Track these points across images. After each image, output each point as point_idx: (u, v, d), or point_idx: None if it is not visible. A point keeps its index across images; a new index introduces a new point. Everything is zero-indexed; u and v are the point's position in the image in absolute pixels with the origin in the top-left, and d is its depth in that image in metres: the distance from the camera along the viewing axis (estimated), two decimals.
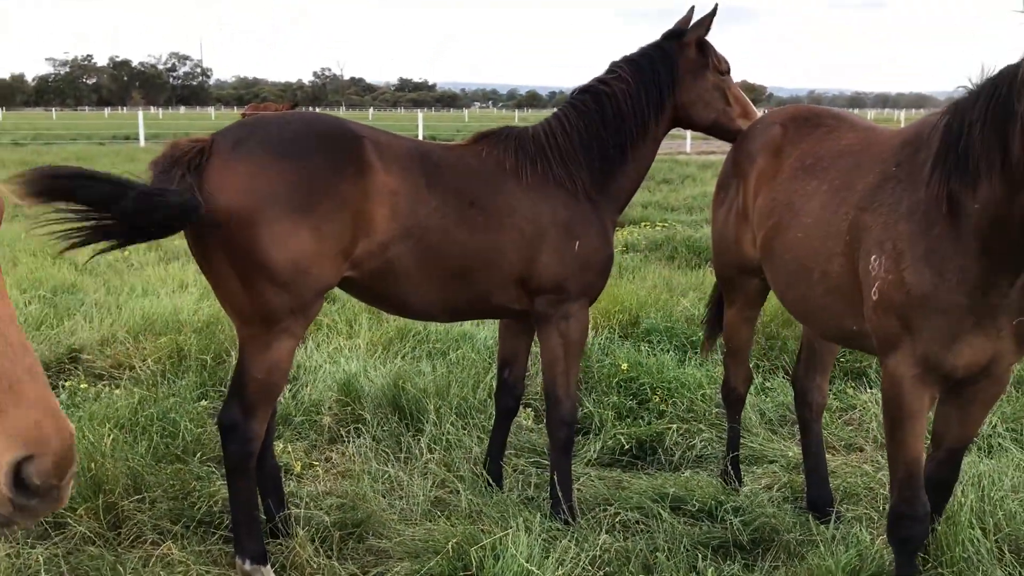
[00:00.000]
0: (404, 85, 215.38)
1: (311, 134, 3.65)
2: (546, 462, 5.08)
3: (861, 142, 3.93)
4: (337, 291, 4.01)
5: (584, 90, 4.33)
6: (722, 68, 4.44)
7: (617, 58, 4.42)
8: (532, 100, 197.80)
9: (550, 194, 4.10)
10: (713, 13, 4.36)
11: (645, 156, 4.42)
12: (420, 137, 33.91)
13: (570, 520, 4.26)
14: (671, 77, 4.32)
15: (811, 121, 4.30)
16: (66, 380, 6.17)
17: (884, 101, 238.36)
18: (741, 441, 5.07)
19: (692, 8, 4.39)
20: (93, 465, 4.28)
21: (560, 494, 4.31)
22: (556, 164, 4.15)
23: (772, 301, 5.50)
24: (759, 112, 4.63)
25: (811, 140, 4.17)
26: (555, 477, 4.36)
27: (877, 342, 3.51)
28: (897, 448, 3.48)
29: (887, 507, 4.48)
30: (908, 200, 3.36)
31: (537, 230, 4.05)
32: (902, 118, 67.39)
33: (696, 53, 4.37)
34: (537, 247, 4.05)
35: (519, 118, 71.45)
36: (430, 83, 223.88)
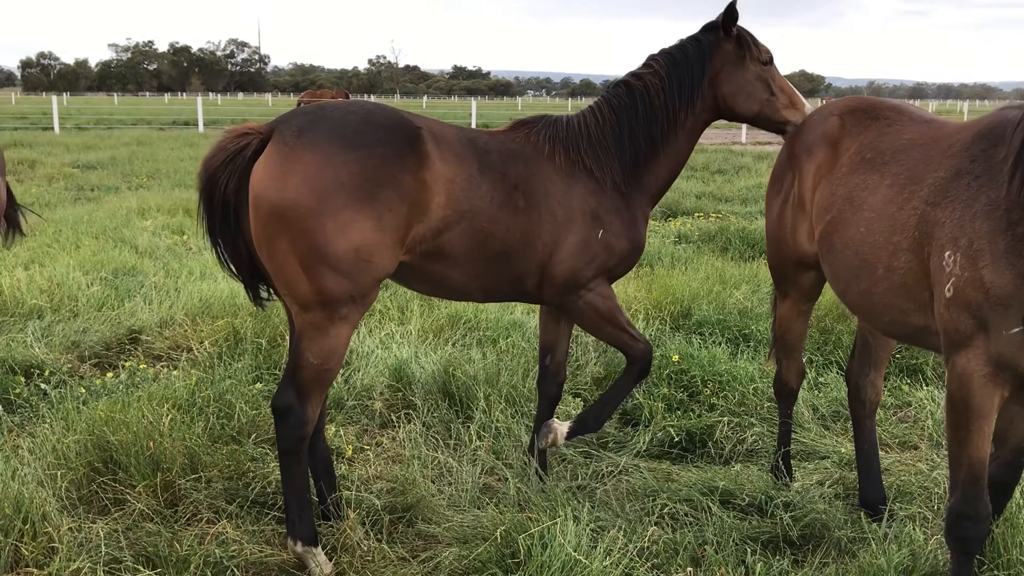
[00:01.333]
0: (458, 73, 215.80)
1: (373, 124, 3.69)
2: (595, 452, 5.09)
3: (926, 135, 3.83)
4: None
5: (618, 83, 4.39)
6: (763, 58, 4.40)
7: (655, 51, 4.43)
8: (586, 88, 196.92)
9: (581, 181, 4.17)
10: (729, 5, 4.30)
11: (679, 149, 4.43)
12: (473, 125, 33.96)
13: (590, 429, 4.41)
14: (703, 70, 4.33)
15: (870, 113, 4.20)
16: (126, 360, 6.33)
17: (947, 92, 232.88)
18: (793, 436, 5.02)
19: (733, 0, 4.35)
20: (152, 444, 4.39)
21: (603, 411, 4.44)
22: (587, 153, 4.20)
23: (826, 295, 5.42)
24: (808, 102, 4.54)
25: (871, 133, 4.08)
26: (609, 395, 4.46)
27: (946, 339, 3.40)
28: (961, 448, 3.38)
29: (943, 506, 4.42)
30: (986, 196, 3.26)
31: (567, 215, 4.11)
32: (965, 109, 65.80)
33: (734, 44, 4.36)
34: (565, 232, 4.11)
35: (572, 106, 71.19)
36: (484, 71, 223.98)
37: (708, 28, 4.41)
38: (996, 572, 3.75)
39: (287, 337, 6.35)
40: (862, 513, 4.37)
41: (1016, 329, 3.16)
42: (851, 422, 4.83)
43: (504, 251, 4.01)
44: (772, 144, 29.32)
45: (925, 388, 6.10)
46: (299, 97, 37.67)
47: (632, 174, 4.30)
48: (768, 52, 4.44)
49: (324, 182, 3.51)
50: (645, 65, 4.39)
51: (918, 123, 4.01)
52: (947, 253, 3.32)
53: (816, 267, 4.38)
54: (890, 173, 3.79)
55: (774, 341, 4.92)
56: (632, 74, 4.38)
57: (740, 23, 4.39)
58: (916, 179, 3.63)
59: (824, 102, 4.76)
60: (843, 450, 5.15)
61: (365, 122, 3.69)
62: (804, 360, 4.97)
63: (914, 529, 4.00)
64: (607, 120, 4.29)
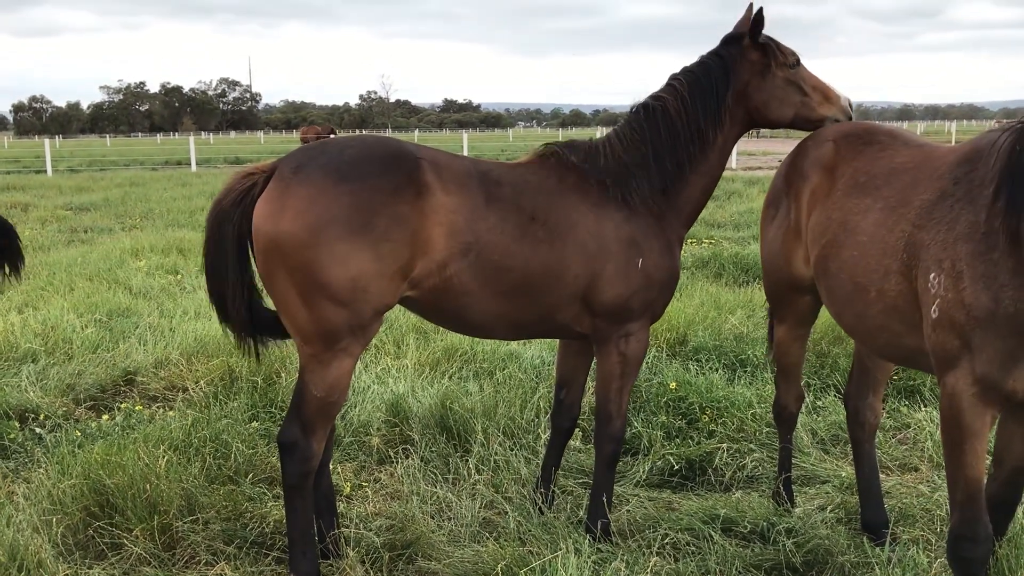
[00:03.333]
0: (449, 106, 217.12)
1: (370, 157, 3.72)
2: None
3: (916, 159, 3.87)
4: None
5: (641, 106, 4.30)
6: (790, 61, 4.32)
7: (678, 69, 4.37)
8: (576, 119, 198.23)
9: (611, 209, 4.09)
10: (757, 12, 4.23)
11: (710, 168, 4.34)
12: None
13: (602, 538, 4.24)
14: (727, 84, 4.24)
15: (864, 138, 4.20)
16: (121, 402, 6.30)
17: (934, 113, 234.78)
18: (793, 461, 5.00)
19: (751, 5, 4.29)
20: (148, 486, 4.35)
21: (597, 510, 4.33)
22: (616, 179, 4.13)
23: (822, 318, 5.42)
24: (843, 95, 4.45)
25: (864, 157, 4.09)
26: (595, 492, 4.37)
27: (936, 359, 3.43)
28: (957, 468, 3.39)
29: (946, 528, 4.39)
30: (966, 219, 3.31)
31: (600, 246, 4.03)
32: (953, 130, 66.32)
33: (758, 53, 4.28)
34: (600, 263, 4.03)
35: (563, 136, 71.57)
36: (474, 103, 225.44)
37: (729, 40, 4.31)
38: None
39: (283, 375, 6.34)
40: (865, 537, 4.34)
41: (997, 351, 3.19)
42: (851, 446, 4.81)
43: (524, 285, 3.94)
44: (763, 169, 29.41)
45: (923, 409, 6.09)
46: (300, 133, 38.44)
47: (664, 197, 4.22)
48: (794, 55, 4.35)
49: (317, 215, 3.55)
50: (667, 85, 4.31)
51: (910, 147, 4.04)
52: (932, 275, 3.37)
53: (812, 291, 4.38)
54: (881, 197, 3.82)
55: (773, 364, 4.91)
56: (653, 96, 4.30)
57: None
58: (905, 202, 3.67)
59: None
60: (843, 474, 5.13)
61: (362, 155, 3.72)
62: (802, 384, 4.96)
63: (917, 552, 3.97)
64: (632, 144, 4.21)
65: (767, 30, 4.33)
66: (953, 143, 4.00)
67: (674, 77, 4.33)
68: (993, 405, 3.31)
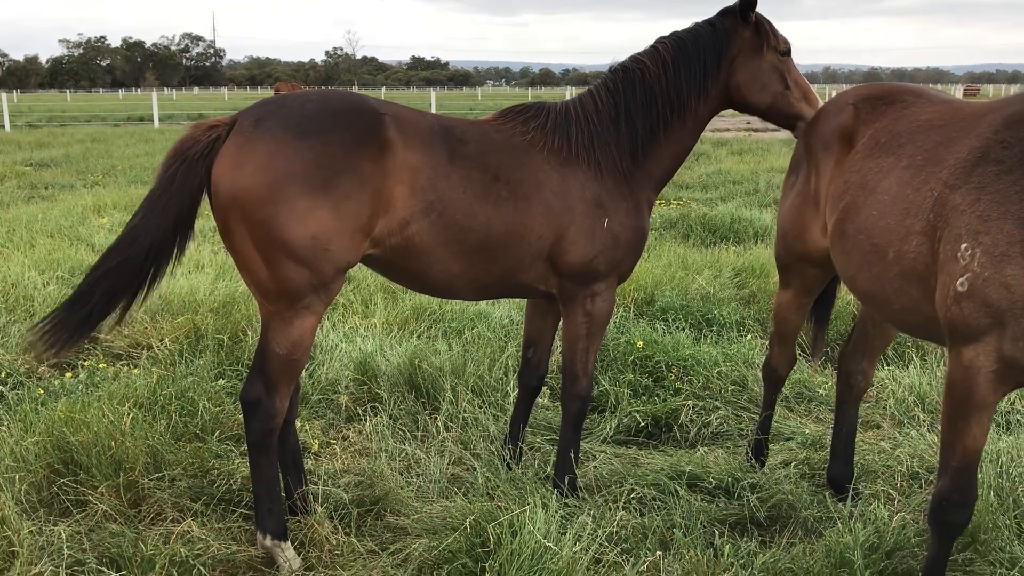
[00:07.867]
0: (416, 64, 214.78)
1: (331, 112, 3.64)
2: None
3: (944, 115, 3.67)
4: (353, 270, 4.01)
5: (620, 67, 4.25)
6: (781, 48, 4.27)
7: (667, 33, 4.31)
8: (545, 78, 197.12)
9: (577, 169, 4.04)
10: None
11: (683, 137, 4.29)
12: None
13: (569, 493, 4.28)
14: (717, 57, 4.18)
15: (885, 99, 4.04)
16: (85, 360, 6.22)
17: (900, 76, 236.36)
18: (755, 417, 5.05)
19: None
20: (113, 444, 4.32)
21: (564, 465, 4.35)
22: (585, 140, 4.08)
23: None
24: (821, 99, 4.39)
25: (886, 118, 3.92)
26: (562, 449, 4.39)
27: (951, 330, 3.23)
28: (957, 437, 3.27)
29: (907, 484, 4.48)
30: (1021, 198, 3.06)
31: (565, 205, 4.00)
32: None
33: (752, 31, 4.22)
34: (565, 223, 4.00)
35: (532, 95, 71.14)
36: (443, 61, 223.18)
37: (725, 13, 4.24)
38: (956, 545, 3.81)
39: (249, 333, 6.30)
40: (827, 493, 4.41)
41: None
42: (835, 404, 4.76)
43: (486, 245, 3.89)
44: (731, 131, 29.44)
45: (886, 368, 6.18)
46: (275, 89, 38.41)
47: (633, 160, 4.17)
48: (787, 43, 4.29)
49: (277, 171, 3.47)
50: (651, 48, 4.25)
51: (935, 104, 3.86)
52: (964, 245, 3.14)
53: (823, 264, 4.25)
54: (906, 155, 3.63)
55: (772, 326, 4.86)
56: (633, 58, 4.24)
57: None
58: (935, 160, 3.46)
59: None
60: (807, 431, 5.21)
61: (323, 109, 3.63)
62: (795, 350, 4.91)
63: (878, 507, 4.05)
64: (605, 105, 4.16)
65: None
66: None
67: (660, 40, 4.27)
68: (1009, 383, 3.18)
